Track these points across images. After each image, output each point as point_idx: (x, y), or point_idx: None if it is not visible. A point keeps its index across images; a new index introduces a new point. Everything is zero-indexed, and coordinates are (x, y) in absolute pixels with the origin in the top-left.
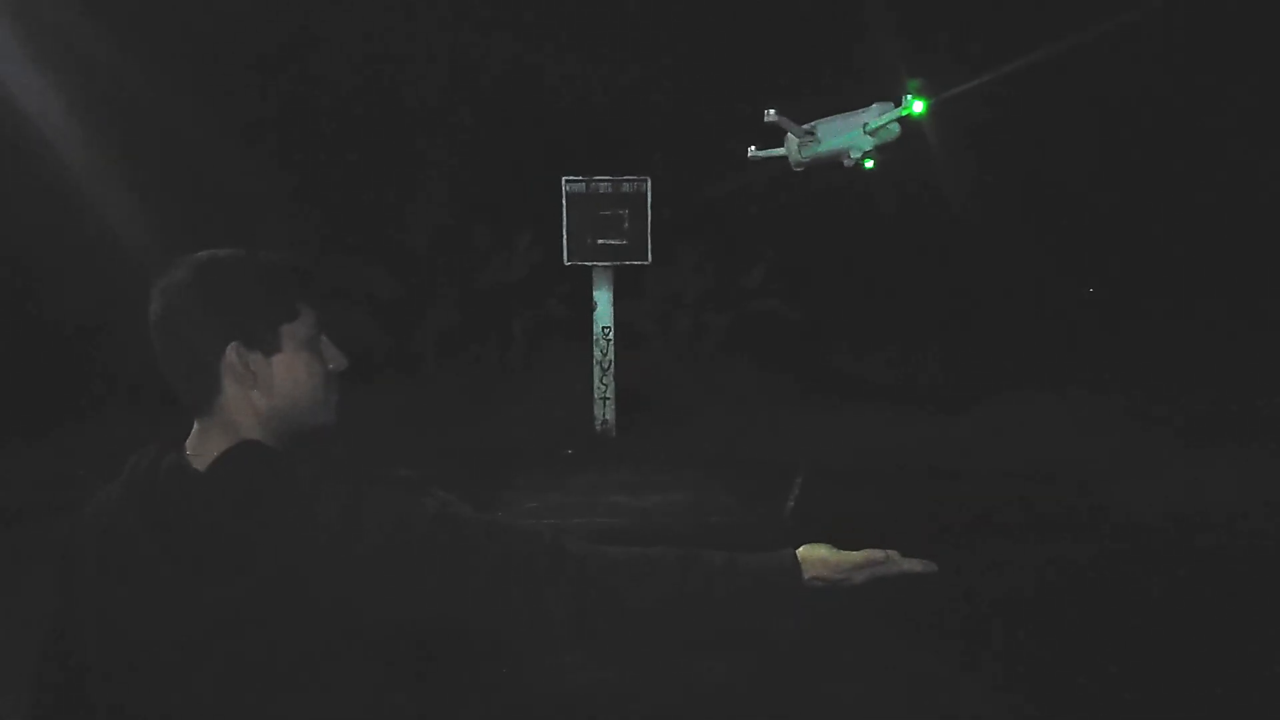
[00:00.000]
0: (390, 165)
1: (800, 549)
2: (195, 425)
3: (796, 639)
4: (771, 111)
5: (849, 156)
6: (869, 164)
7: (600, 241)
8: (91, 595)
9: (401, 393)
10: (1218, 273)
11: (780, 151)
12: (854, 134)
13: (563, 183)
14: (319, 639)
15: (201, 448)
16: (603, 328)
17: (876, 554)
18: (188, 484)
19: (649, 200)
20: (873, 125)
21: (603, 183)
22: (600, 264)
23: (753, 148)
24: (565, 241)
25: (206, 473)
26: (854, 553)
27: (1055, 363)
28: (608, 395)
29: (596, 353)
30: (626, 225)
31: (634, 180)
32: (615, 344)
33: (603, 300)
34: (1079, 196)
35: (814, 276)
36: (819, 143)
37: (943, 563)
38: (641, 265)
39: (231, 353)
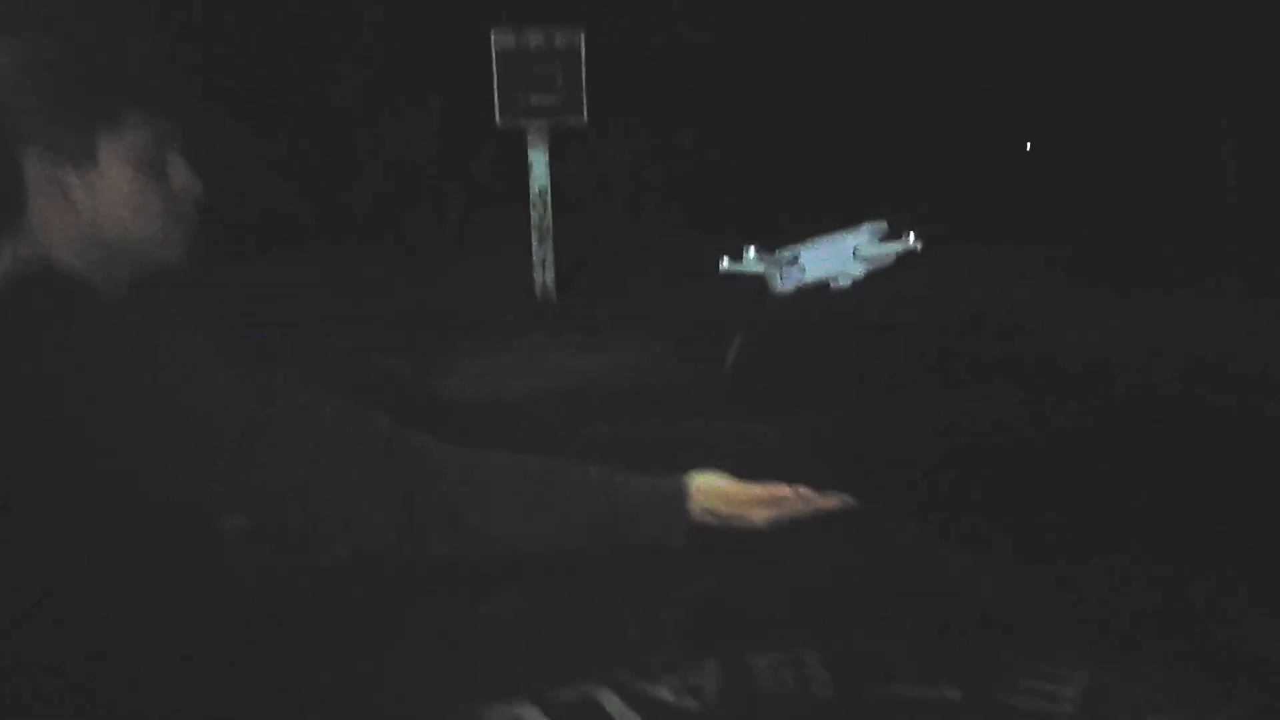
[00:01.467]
0: (307, 24)
1: (696, 476)
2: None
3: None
4: (751, 250)
5: (836, 281)
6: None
7: (534, 100)
8: None
9: (332, 262)
10: (1146, 132)
11: (757, 269)
12: (843, 260)
13: (492, 36)
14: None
15: (5, 267)
16: (539, 190)
17: (782, 490)
18: None
19: (583, 55)
20: (865, 252)
21: (534, 35)
22: (534, 124)
23: (725, 260)
24: (497, 101)
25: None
26: (754, 486)
27: (990, 218)
28: (546, 260)
29: (534, 217)
30: (560, 82)
31: (566, 31)
32: (552, 208)
33: (538, 162)
34: (1012, 56)
35: (752, 134)
36: (804, 270)
37: (881, 406)
38: (576, 125)
39: (33, 162)
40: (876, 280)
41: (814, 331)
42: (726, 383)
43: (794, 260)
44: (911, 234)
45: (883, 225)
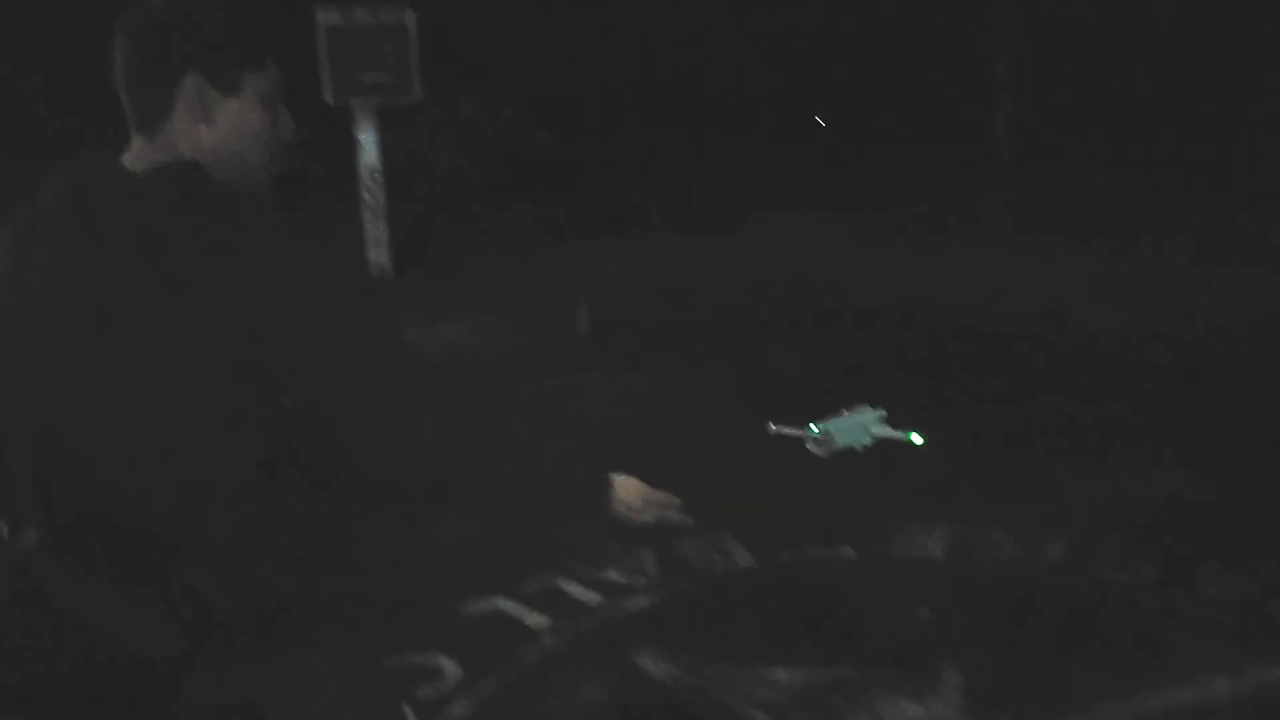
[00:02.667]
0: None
1: (616, 478)
2: (134, 140)
3: None
4: (813, 427)
5: (853, 449)
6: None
7: (363, 78)
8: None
9: None
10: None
11: (801, 433)
12: (859, 433)
13: (317, 13)
14: (213, 361)
15: (138, 163)
16: (370, 170)
17: (674, 502)
18: (126, 188)
19: (412, 31)
20: (876, 433)
21: (360, 11)
22: (364, 102)
23: (772, 424)
24: (327, 79)
25: (147, 179)
26: (661, 492)
27: (800, 186)
28: (381, 239)
29: (366, 196)
30: (390, 59)
31: (393, 7)
32: (384, 187)
33: (368, 141)
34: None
35: (579, 109)
36: (834, 442)
37: (732, 354)
38: (408, 102)
39: (190, 81)
40: (698, 249)
41: (656, 298)
42: (583, 346)
43: (827, 438)
44: (915, 434)
45: (881, 411)
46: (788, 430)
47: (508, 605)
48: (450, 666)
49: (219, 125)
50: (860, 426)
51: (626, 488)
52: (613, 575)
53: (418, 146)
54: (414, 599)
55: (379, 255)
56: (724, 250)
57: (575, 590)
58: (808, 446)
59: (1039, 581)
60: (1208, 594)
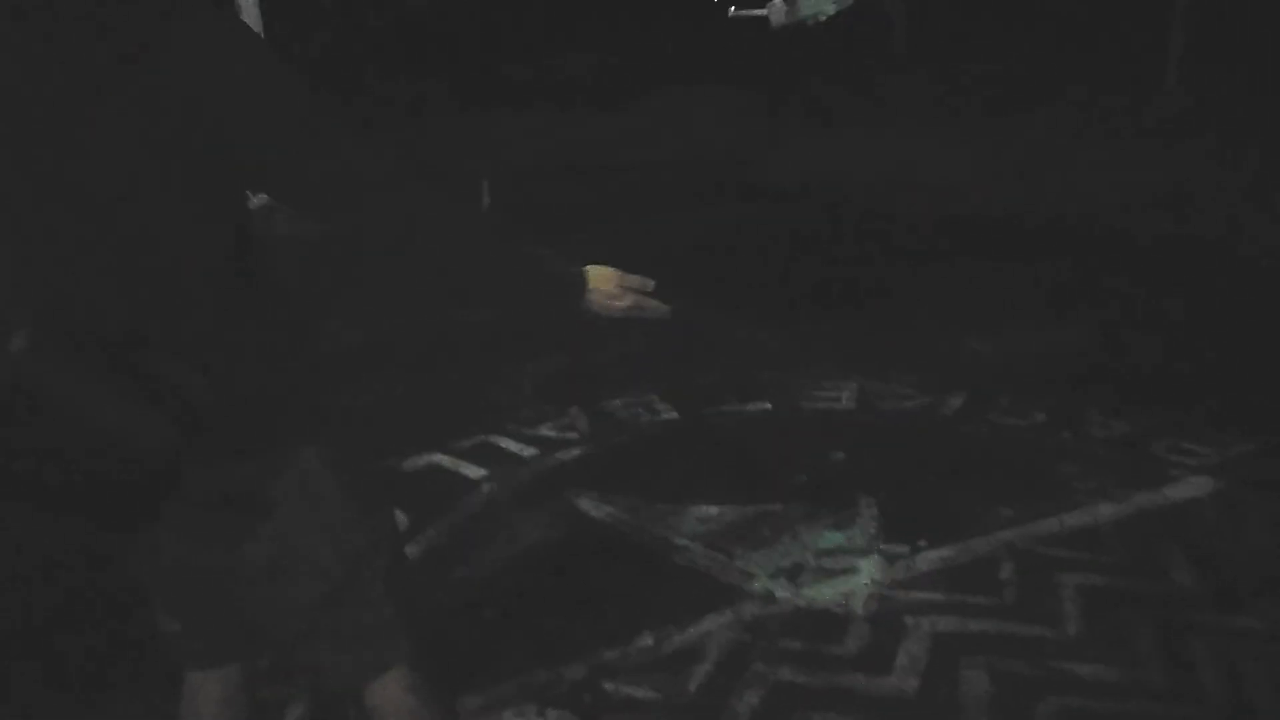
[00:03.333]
0: None
1: (590, 268)
2: None
3: None
4: (732, 10)
5: (816, 20)
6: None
7: None
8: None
9: None
10: None
11: (761, 12)
12: (822, 3)
13: None
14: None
15: None
16: None
17: (648, 283)
18: None
19: None
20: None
21: None
22: None
23: (733, 7)
24: None
25: None
26: (634, 276)
27: (696, 61)
28: None
29: None
30: None
31: None
32: None
33: (249, 12)
34: None
35: None
36: (799, 10)
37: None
38: None
39: None
40: (602, 127)
41: (554, 174)
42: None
43: (792, 2)
44: None
45: None
46: (745, 12)
47: (444, 459)
48: (397, 514)
49: None
50: None
51: (601, 276)
52: (546, 430)
53: (301, 15)
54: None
55: None
56: (621, 125)
57: (509, 445)
58: (769, 16)
59: (941, 426)
60: (1093, 435)
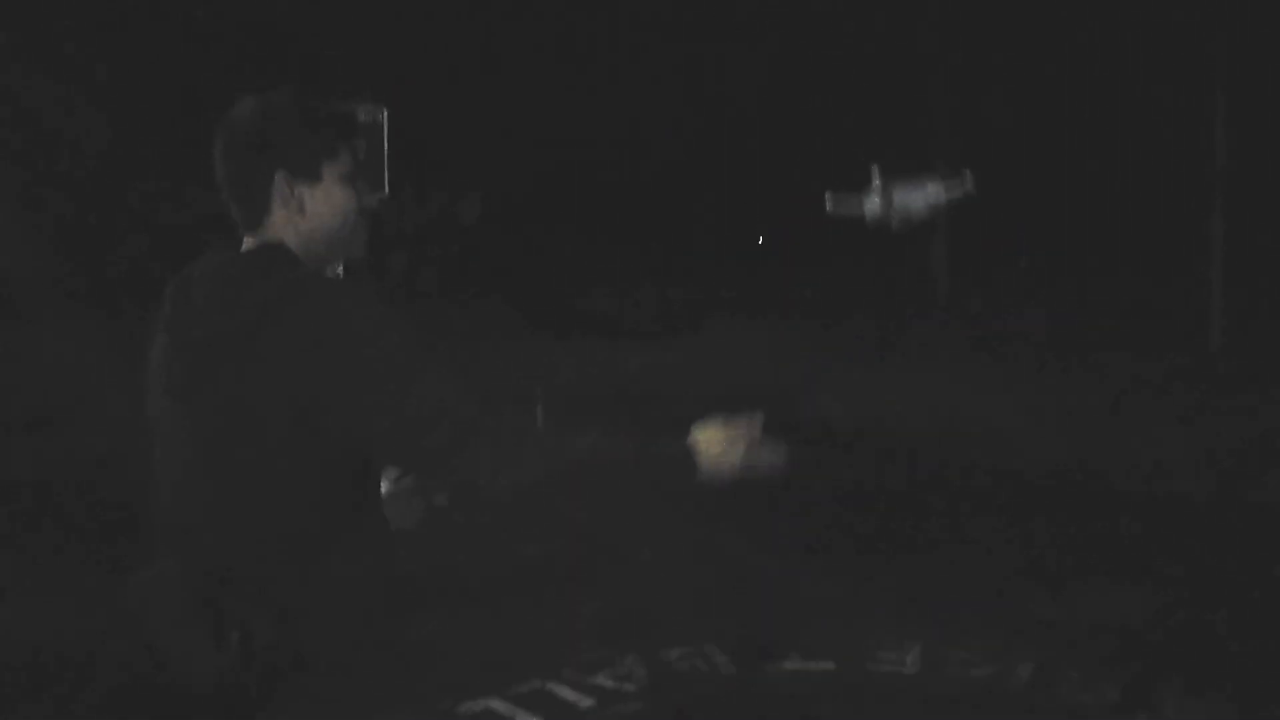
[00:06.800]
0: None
1: (697, 431)
2: (245, 240)
3: None
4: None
5: (907, 217)
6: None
7: None
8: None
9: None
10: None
11: (857, 205)
12: (920, 200)
13: None
14: (297, 430)
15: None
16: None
17: (756, 426)
18: (230, 267)
19: (385, 130)
20: (934, 199)
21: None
22: None
23: (829, 196)
24: None
25: (244, 255)
26: (740, 420)
27: (745, 295)
28: None
29: None
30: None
31: (369, 106)
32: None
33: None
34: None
35: (532, 211)
36: (893, 206)
37: None
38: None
39: (280, 180)
40: (648, 354)
41: (603, 403)
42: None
43: (889, 197)
44: (968, 174)
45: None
46: (843, 209)
47: (500, 706)
48: None
49: (310, 212)
50: (922, 194)
51: (708, 438)
52: (603, 680)
53: (375, 240)
54: (405, 694)
55: None
56: (666, 359)
57: (566, 694)
58: (865, 210)
59: (1011, 699)
60: (1168, 715)
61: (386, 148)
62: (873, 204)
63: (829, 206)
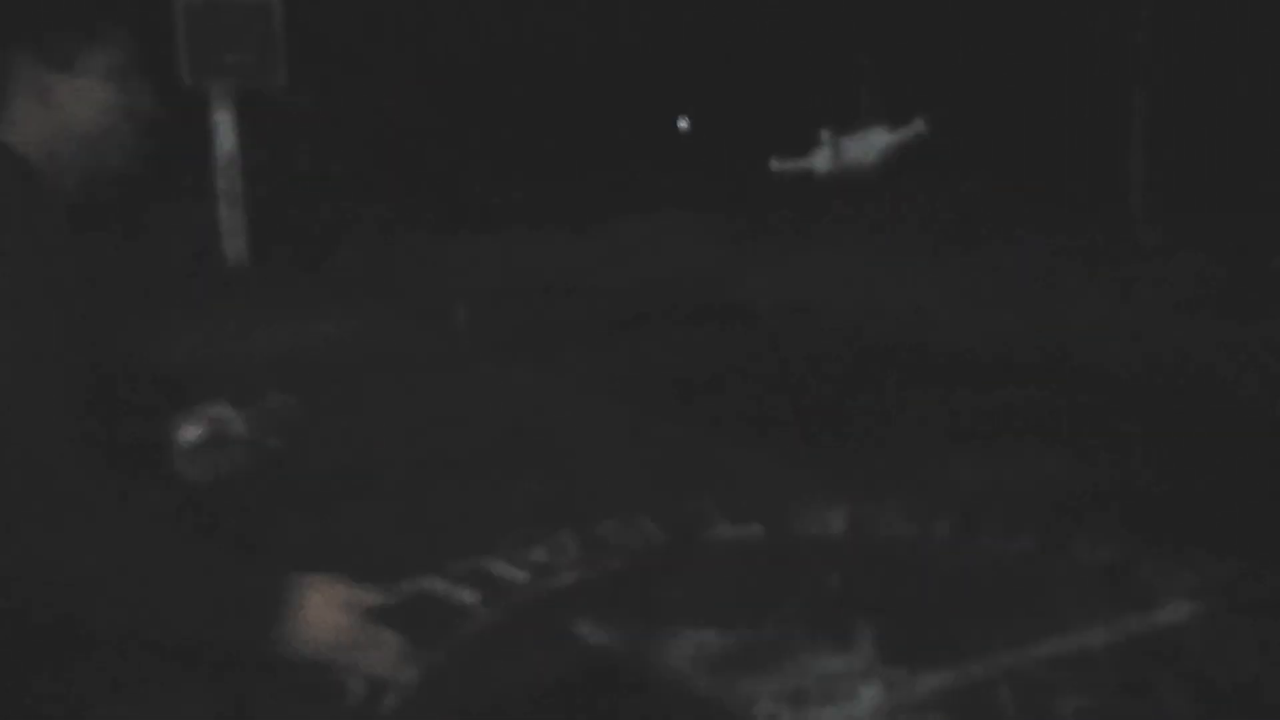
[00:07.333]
0: None
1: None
2: None
3: None
4: (824, 133)
5: (859, 167)
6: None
7: (224, 59)
8: None
9: None
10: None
11: (805, 164)
12: (869, 150)
13: None
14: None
15: None
16: (227, 157)
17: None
18: None
19: (278, 13)
20: (883, 143)
21: None
22: (221, 84)
23: (774, 160)
24: (185, 58)
25: None
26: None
27: (658, 189)
28: (237, 228)
29: (222, 183)
30: (255, 41)
31: None
32: (242, 173)
33: (225, 126)
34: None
35: (453, 104)
36: (844, 158)
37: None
38: (268, 87)
39: (24, 65)
40: (565, 247)
41: (524, 295)
42: (460, 347)
43: (836, 146)
44: (920, 121)
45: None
46: (789, 165)
47: (437, 584)
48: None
49: (60, 107)
50: (871, 145)
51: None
52: (539, 554)
53: (279, 135)
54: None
55: (235, 245)
56: (592, 249)
57: (501, 570)
58: (814, 166)
59: (932, 551)
60: (1081, 560)
61: (280, 33)
62: (822, 160)
63: (773, 168)
